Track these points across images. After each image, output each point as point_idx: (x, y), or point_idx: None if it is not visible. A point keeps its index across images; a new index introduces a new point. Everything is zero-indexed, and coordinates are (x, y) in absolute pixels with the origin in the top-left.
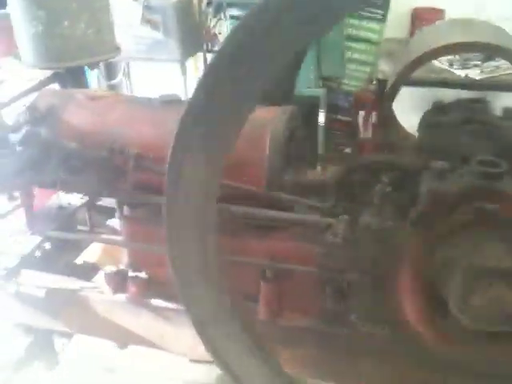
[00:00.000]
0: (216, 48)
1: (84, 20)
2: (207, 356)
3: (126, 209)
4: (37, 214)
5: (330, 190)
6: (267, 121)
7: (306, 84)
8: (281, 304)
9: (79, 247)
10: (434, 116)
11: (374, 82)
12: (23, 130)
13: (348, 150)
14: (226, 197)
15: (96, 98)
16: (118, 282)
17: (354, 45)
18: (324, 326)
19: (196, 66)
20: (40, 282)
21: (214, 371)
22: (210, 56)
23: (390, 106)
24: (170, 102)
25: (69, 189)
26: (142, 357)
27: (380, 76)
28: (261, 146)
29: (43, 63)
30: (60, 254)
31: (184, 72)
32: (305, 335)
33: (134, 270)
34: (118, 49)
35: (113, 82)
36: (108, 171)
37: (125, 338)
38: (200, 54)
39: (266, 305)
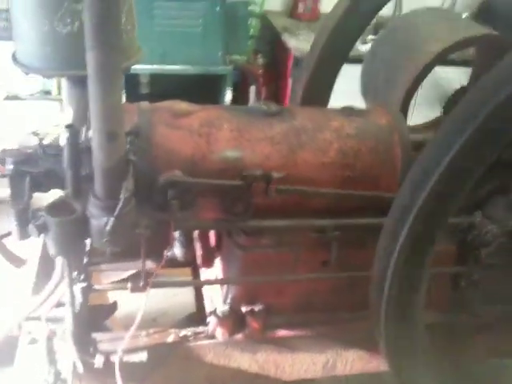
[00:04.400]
0: None
1: (124, 12)
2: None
3: (242, 238)
4: None
5: None
6: (386, 128)
7: (213, 62)
8: None
9: None
10: None
11: (259, 56)
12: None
13: None
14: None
15: (182, 113)
16: (234, 320)
17: None
18: (453, 317)
19: None
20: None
21: None
22: None
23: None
24: (275, 112)
25: (189, 227)
26: None
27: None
28: (392, 159)
29: (71, 69)
30: None
31: None
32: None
33: (248, 304)
34: (140, 50)
35: None
36: (238, 200)
37: (235, 378)
38: None
39: None
